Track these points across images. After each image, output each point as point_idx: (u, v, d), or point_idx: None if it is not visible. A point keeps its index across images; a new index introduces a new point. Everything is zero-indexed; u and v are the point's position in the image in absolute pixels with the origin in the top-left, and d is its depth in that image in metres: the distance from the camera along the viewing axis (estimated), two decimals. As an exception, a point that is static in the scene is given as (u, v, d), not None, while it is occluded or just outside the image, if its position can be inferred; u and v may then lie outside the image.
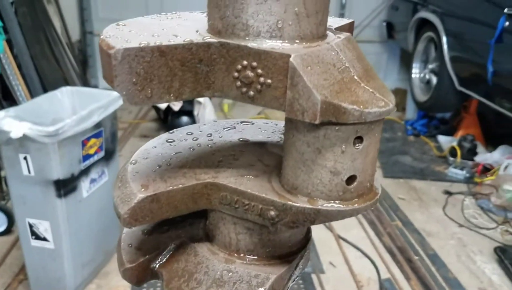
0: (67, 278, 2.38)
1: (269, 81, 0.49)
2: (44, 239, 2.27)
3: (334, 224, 3.35)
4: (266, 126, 0.73)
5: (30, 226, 2.26)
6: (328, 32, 0.56)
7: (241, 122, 0.74)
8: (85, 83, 4.71)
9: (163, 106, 4.32)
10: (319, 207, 0.52)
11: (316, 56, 0.49)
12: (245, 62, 0.50)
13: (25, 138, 2.05)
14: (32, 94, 3.46)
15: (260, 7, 0.49)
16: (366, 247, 3.15)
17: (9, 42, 3.48)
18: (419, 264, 2.98)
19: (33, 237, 2.28)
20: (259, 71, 0.49)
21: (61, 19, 4.74)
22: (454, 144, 4.37)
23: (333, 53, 0.50)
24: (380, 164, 4.34)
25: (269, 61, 0.49)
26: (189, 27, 0.56)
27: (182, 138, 0.68)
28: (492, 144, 4.53)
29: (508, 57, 3.54)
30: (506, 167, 3.82)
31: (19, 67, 3.50)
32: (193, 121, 3.98)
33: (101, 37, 0.50)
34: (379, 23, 5.90)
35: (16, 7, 3.70)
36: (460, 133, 4.60)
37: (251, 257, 0.60)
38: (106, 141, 2.50)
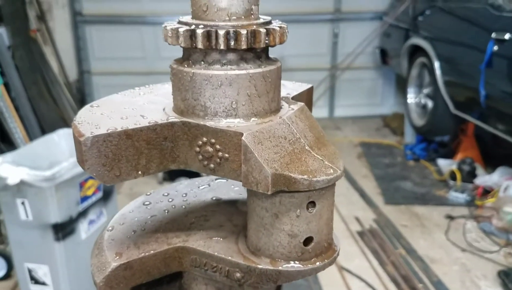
0: (68, 322, 2.38)
1: (226, 155, 0.54)
2: (44, 283, 2.29)
3: (336, 254, 3.34)
4: (238, 183, 0.77)
5: (29, 270, 2.28)
6: (283, 102, 0.61)
7: (216, 179, 0.78)
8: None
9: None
10: (280, 268, 0.56)
11: (267, 131, 0.53)
12: (204, 139, 0.55)
13: (22, 183, 2.09)
14: (30, 136, 3.52)
15: (215, 91, 0.55)
16: (370, 277, 3.13)
17: (6, 85, 3.56)
18: (424, 293, 2.96)
19: (32, 281, 2.29)
20: (218, 146, 0.54)
21: (58, 59, 4.86)
22: (454, 167, 4.38)
23: (285, 126, 0.55)
24: (381, 190, 4.35)
25: (225, 138, 0.53)
26: (157, 104, 0.61)
27: (158, 199, 0.72)
28: (491, 165, 4.54)
29: (499, 81, 3.59)
30: (505, 189, 3.82)
31: (17, 109, 3.58)
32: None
33: (74, 122, 0.55)
34: (372, 50, 6.01)
35: (13, 51, 3.81)
36: (459, 156, 4.62)
37: (223, 316, 0.63)
38: (105, 182, 2.54)
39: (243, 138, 0.51)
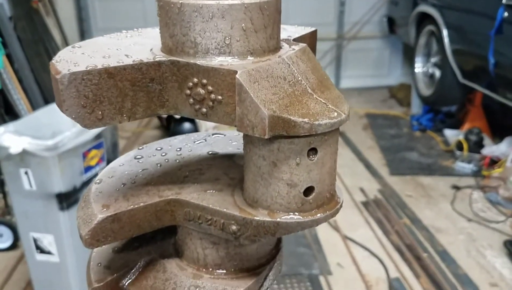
0: (73, 290, 2.40)
1: (219, 97, 0.49)
2: (49, 252, 2.29)
3: (340, 223, 3.33)
4: (237, 137, 0.73)
5: (35, 240, 2.28)
6: (283, 43, 0.56)
7: (213, 134, 0.74)
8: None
9: (165, 113, 4.33)
10: (278, 219, 0.52)
11: (265, 70, 0.48)
12: (195, 80, 0.50)
13: (25, 153, 2.07)
14: (34, 107, 3.50)
15: (206, 24, 0.49)
16: (374, 247, 3.13)
17: (9, 56, 3.53)
18: (429, 262, 2.95)
19: (38, 251, 2.30)
20: (210, 88, 0.50)
21: (60, 31, 4.80)
22: (461, 137, 4.32)
23: (284, 66, 0.50)
24: (386, 161, 4.31)
25: (217, 78, 0.49)
26: (144, 45, 0.56)
27: (150, 154, 0.68)
28: (498, 135, 4.48)
29: (509, 48, 3.49)
30: (513, 159, 3.77)
31: (20, 81, 3.55)
32: (195, 127, 4.00)
33: (52, 61, 0.51)
34: (379, 18, 5.87)
35: (15, 22, 3.75)
36: (466, 126, 4.56)
37: (219, 271, 0.60)
38: (108, 151, 2.52)
39: (237, 76, 0.46)
